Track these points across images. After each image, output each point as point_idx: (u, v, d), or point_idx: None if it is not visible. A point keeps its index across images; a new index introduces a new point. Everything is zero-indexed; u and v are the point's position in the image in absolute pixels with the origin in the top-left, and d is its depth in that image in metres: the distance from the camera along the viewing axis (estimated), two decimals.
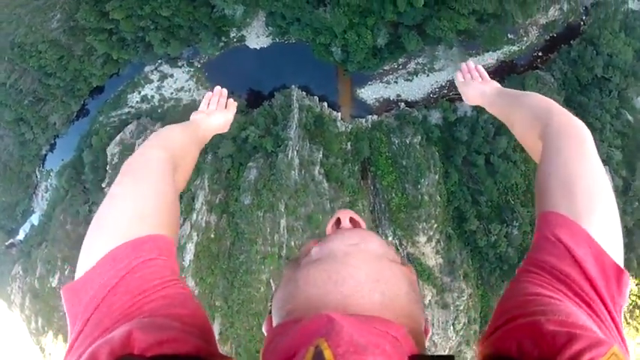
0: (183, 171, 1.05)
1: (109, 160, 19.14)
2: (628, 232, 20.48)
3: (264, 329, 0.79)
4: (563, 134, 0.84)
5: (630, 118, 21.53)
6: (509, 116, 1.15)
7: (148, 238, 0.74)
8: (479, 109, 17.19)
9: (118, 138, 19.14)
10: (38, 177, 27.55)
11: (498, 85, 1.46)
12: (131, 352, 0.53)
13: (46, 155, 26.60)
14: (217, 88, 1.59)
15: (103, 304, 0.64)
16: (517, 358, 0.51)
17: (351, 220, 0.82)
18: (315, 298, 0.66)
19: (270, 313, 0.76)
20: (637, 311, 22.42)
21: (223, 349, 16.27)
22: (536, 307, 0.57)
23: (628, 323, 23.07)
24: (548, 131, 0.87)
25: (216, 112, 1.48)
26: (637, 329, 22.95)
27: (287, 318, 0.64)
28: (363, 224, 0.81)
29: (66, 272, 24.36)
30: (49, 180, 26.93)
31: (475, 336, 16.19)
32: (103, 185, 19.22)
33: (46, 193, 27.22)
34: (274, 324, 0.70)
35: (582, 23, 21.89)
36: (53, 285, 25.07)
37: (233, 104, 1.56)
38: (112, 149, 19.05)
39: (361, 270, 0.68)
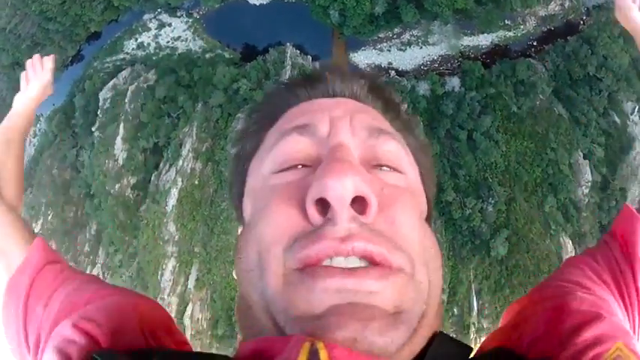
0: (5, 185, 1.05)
1: (100, 104, 20.02)
2: (602, 229, 21.57)
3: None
4: None
5: (617, 120, 22.54)
6: None
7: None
8: (466, 86, 18.20)
9: (111, 83, 20.01)
10: None
11: None
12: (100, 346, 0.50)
13: None
14: (28, 62, 1.49)
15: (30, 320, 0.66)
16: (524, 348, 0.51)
17: (357, 200, 0.44)
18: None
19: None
20: None
21: (198, 295, 17.24)
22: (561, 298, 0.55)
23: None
24: None
25: (30, 83, 1.43)
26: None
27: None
28: (374, 202, 0.44)
29: (49, 217, 25.19)
30: (38, 125, 27.56)
31: (441, 306, 17.22)
32: (93, 129, 20.12)
33: (34, 138, 27.83)
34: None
35: (582, 22, 22.84)
36: (36, 230, 25.97)
37: (47, 60, 1.47)
38: (105, 94, 19.93)
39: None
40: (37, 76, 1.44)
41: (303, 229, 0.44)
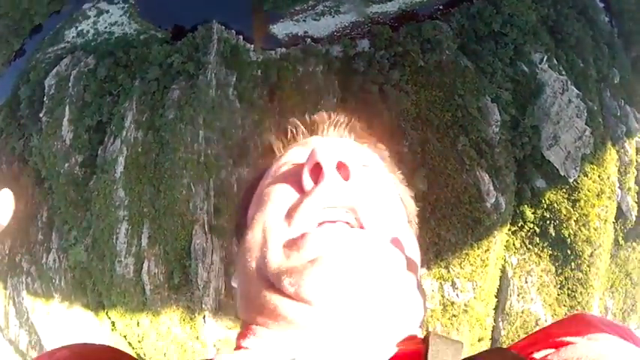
0: None
1: (46, 91, 24.52)
2: (519, 164, 27.19)
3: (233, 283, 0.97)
4: None
5: (526, 69, 28.46)
6: None
7: None
8: (376, 46, 23.61)
9: (54, 71, 24.58)
10: None
11: None
12: None
13: None
14: None
15: None
16: None
17: (339, 166, 0.76)
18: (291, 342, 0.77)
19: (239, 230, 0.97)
20: (536, 238, 29.17)
21: (152, 251, 21.62)
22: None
23: (528, 249, 29.86)
24: None
25: None
26: (539, 256, 29.65)
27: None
28: (354, 167, 0.78)
29: None
30: None
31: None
32: (41, 115, 24.46)
33: None
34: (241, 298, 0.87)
35: None
36: None
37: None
38: (49, 81, 24.47)
39: (347, 323, 0.75)
40: None
41: (299, 199, 0.72)
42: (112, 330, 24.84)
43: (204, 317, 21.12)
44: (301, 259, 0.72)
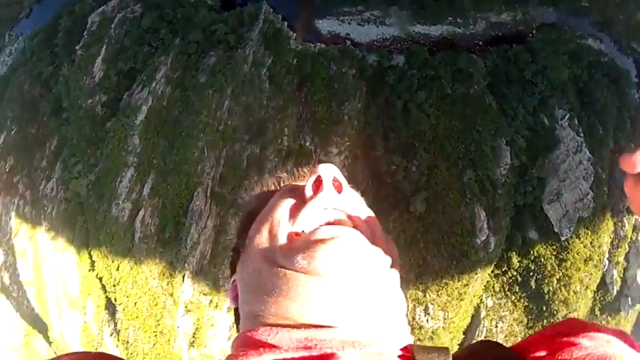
0: None
1: (88, 26, 26.13)
2: (517, 210, 28.65)
3: (230, 295, 1.14)
4: None
5: (546, 122, 30.07)
6: None
7: None
8: (410, 64, 25.17)
9: (100, 9, 26.19)
10: (6, 40, 33.35)
11: None
12: None
13: (21, 19, 32.63)
14: None
15: None
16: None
17: (334, 181, 1.04)
18: (296, 314, 0.93)
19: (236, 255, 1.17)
20: (516, 287, 30.61)
21: (151, 202, 23.00)
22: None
23: (506, 295, 31.25)
24: None
25: None
26: (515, 304, 31.00)
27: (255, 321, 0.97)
28: (345, 184, 1.07)
29: (12, 132, 30.55)
30: (15, 44, 32.87)
31: None
32: (77, 47, 25.95)
33: (8, 57, 33.08)
34: (247, 313, 1.02)
35: (531, 35, 30.44)
36: None
37: None
38: (93, 18, 26.09)
39: (352, 294, 0.94)
40: None
41: (301, 204, 0.98)
42: (90, 270, 26.20)
43: (183, 276, 22.57)
44: (311, 239, 0.94)
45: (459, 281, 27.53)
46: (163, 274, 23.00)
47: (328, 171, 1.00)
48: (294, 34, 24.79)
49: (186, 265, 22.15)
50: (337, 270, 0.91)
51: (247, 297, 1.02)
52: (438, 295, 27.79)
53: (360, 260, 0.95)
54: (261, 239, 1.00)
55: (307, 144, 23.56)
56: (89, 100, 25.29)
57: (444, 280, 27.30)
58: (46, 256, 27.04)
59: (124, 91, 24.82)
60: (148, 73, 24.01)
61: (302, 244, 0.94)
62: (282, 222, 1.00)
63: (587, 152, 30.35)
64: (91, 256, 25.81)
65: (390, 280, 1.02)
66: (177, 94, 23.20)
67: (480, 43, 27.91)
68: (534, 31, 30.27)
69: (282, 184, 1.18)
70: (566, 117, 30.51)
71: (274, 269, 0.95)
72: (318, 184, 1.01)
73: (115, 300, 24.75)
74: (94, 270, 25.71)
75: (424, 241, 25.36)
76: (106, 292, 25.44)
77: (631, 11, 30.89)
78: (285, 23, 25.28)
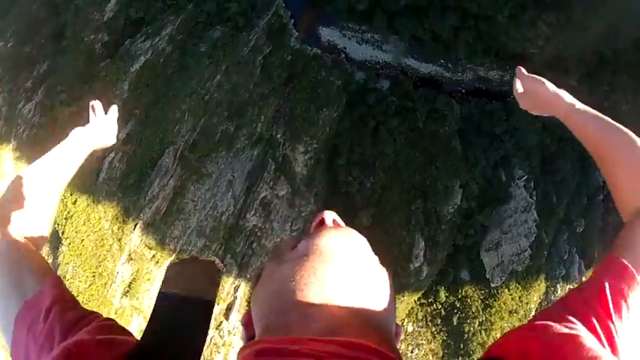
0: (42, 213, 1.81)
1: None
2: (455, 249, 33.10)
3: (241, 323, 1.26)
4: None
5: (504, 177, 34.89)
6: (606, 157, 1.77)
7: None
8: (392, 91, 29.61)
9: None
10: None
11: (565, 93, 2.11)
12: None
13: None
14: (91, 104, 2.30)
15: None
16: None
17: (334, 222, 1.27)
18: (301, 297, 1.06)
19: (250, 307, 1.23)
20: (438, 319, 35.18)
21: (123, 147, 26.47)
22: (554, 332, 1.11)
23: (427, 325, 35.79)
24: None
25: (95, 124, 2.28)
26: (434, 336, 35.44)
27: (272, 323, 1.08)
28: (344, 225, 1.30)
29: (9, 45, 33.34)
30: None
31: None
32: None
33: None
34: (257, 325, 1.14)
35: (512, 98, 35.27)
36: None
37: (112, 111, 2.39)
38: None
39: (347, 270, 1.12)
40: (105, 126, 2.28)
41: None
42: None
43: (135, 225, 26.29)
44: (311, 231, 1.24)
45: None
46: (117, 219, 26.68)
47: (330, 214, 1.29)
48: (297, 33, 29.10)
49: (141, 215, 26.01)
50: (339, 249, 1.14)
51: (261, 309, 1.14)
52: None
53: (361, 245, 1.20)
54: (269, 263, 1.23)
55: (278, 136, 28.36)
56: (92, 36, 28.80)
57: None
58: (7, 175, 29.98)
59: (127, 38, 28.47)
60: (154, 27, 27.88)
61: (304, 239, 1.21)
62: (285, 248, 1.23)
63: (535, 214, 35.69)
64: None
65: (384, 273, 1.23)
66: (176, 55, 27.25)
67: (463, 90, 32.83)
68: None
69: None
70: (524, 178, 35.70)
71: (282, 265, 1.15)
72: (320, 224, 1.27)
73: (63, 234, 27.71)
74: None
75: None
76: (57, 224, 28.41)
77: (616, 101, 36.32)
78: (292, 21, 30.35)
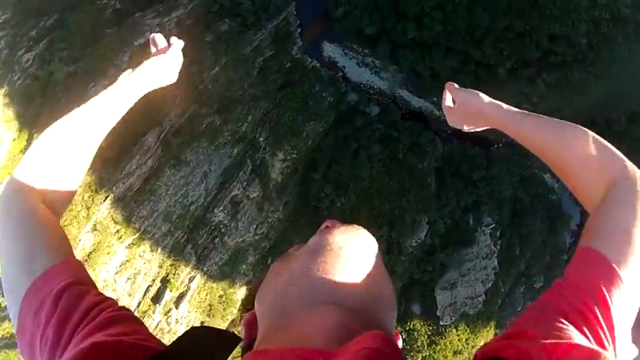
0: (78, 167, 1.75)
1: None
2: (411, 282, 35.13)
3: (243, 322, 1.31)
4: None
5: (471, 221, 36.99)
6: (554, 154, 1.69)
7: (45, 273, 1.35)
8: (380, 118, 31.52)
9: None
10: None
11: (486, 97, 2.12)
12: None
13: None
14: (151, 37, 2.29)
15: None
16: None
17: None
18: (307, 290, 1.14)
19: (253, 306, 1.28)
20: None
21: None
22: (548, 330, 1.15)
23: None
24: (621, 185, 1.45)
25: (149, 63, 2.16)
26: None
27: (279, 320, 1.13)
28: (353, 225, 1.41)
29: None
30: None
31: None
32: None
33: None
34: (264, 325, 1.19)
35: (496, 147, 37.27)
36: None
37: (176, 44, 2.30)
38: None
39: (353, 264, 1.19)
40: (161, 58, 2.19)
41: None
42: (21, 151, 30.27)
43: (106, 197, 27.98)
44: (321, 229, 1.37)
45: None
46: (90, 187, 28.19)
47: (334, 223, 1.39)
48: (301, 43, 31.15)
49: (113, 188, 27.63)
50: (349, 245, 1.22)
51: (268, 307, 1.20)
52: None
53: (371, 243, 1.28)
54: (276, 264, 1.31)
55: (261, 139, 30.72)
56: (105, 0, 30.12)
57: None
58: None
59: (138, 10, 29.93)
60: (166, 6, 29.98)
61: (313, 237, 1.31)
62: (293, 251, 1.34)
63: (496, 263, 38.06)
64: (29, 139, 30.14)
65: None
66: (180, 35, 28.09)
67: (448, 131, 35.03)
68: (501, 145, 37.36)
69: None
70: (491, 226, 37.93)
71: (290, 262, 1.25)
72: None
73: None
74: (23, 153, 30.09)
75: None
76: None
77: None
78: (299, 30, 32.84)
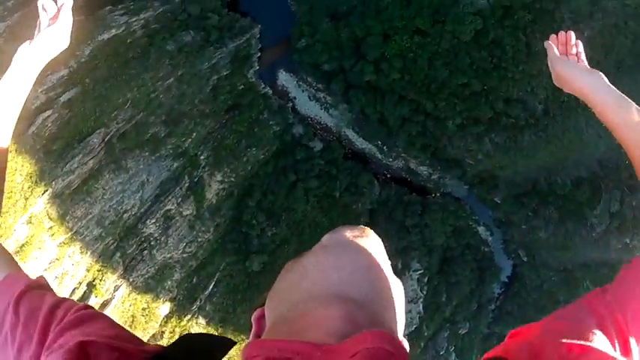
0: None
1: None
2: None
3: (253, 318, 1.64)
4: None
5: (399, 265, 46.69)
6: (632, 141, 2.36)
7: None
8: (322, 154, 40.99)
9: None
10: None
11: (602, 75, 2.76)
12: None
13: None
14: (40, 3, 2.51)
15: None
16: None
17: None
18: (319, 282, 1.48)
19: (263, 305, 1.63)
20: None
21: (63, 111, 35.35)
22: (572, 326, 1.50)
23: None
24: None
25: (44, 35, 2.60)
26: None
27: (288, 313, 1.51)
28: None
29: None
30: None
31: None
32: None
33: None
34: (272, 318, 1.56)
35: (433, 196, 46.94)
36: None
37: (65, 9, 2.66)
38: None
39: (361, 261, 1.53)
40: (51, 30, 2.56)
41: None
42: None
43: (45, 191, 32.35)
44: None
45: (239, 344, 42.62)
46: (30, 177, 32.42)
47: (345, 226, 1.76)
48: (257, 67, 39.29)
49: (53, 183, 32.36)
50: (358, 242, 1.60)
51: (280, 300, 1.66)
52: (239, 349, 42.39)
53: (378, 244, 1.67)
54: (288, 263, 1.71)
55: (202, 157, 37.32)
56: None
57: (245, 340, 41.95)
58: None
59: (109, 4, 36.67)
60: (137, 6, 36.19)
61: (325, 236, 1.62)
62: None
63: (421, 307, 45.75)
64: None
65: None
66: (143, 43, 35.56)
67: (388, 175, 43.86)
68: (438, 194, 46.36)
69: None
70: (419, 272, 46.58)
71: (302, 258, 1.65)
72: None
73: None
74: None
75: (242, 296, 40.02)
76: None
77: (535, 226, 46.07)
78: (259, 54, 39.77)
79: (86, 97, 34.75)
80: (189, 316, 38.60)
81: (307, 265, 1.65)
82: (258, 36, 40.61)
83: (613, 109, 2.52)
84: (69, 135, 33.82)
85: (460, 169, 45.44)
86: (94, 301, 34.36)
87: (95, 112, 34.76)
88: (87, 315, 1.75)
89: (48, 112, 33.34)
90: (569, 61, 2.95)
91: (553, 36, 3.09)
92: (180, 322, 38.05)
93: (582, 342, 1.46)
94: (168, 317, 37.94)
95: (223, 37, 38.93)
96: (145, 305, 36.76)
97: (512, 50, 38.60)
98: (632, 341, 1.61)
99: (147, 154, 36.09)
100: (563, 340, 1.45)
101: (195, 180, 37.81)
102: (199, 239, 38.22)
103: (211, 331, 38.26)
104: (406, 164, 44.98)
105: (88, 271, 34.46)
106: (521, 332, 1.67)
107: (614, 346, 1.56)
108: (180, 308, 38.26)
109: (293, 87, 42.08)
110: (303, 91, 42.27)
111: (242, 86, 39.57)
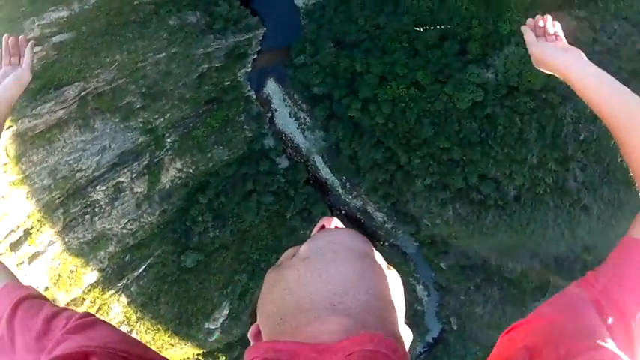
0: None
1: None
2: None
3: (250, 335, 1.89)
4: None
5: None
6: (619, 124, 2.60)
7: None
8: (286, 172, 50.53)
9: None
10: None
11: (579, 52, 3.12)
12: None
13: None
14: (4, 38, 2.92)
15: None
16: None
17: (335, 227, 1.92)
18: (305, 298, 1.59)
19: (255, 318, 1.87)
20: None
21: (50, 51, 43.52)
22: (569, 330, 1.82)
23: None
24: None
25: (5, 79, 3.13)
26: None
27: (281, 329, 1.66)
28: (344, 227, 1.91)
29: None
30: None
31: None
32: None
33: None
34: (265, 333, 1.77)
35: (382, 243, 55.84)
36: None
37: (28, 49, 3.19)
38: None
39: (349, 267, 1.68)
40: (12, 74, 3.35)
41: None
42: None
43: (8, 127, 37.60)
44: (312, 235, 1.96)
45: (169, 337, 46.98)
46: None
47: (331, 221, 2.00)
48: (250, 69, 45.16)
49: (19, 121, 38.10)
50: (341, 248, 1.81)
51: (268, 318, 1.84)
52: (152, 338, 46.40)
53: (364, 244, 1.89)
54: (271, 273, 1.91)
55: (168, 140, 42.96)
56: None
57: (160, 330, 46.78)
58: None
59: None
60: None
61: (304, 244, 1.83)
62: (287, 258, 1.95)
63: None
64: None
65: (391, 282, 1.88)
66: (148, 10, 41.04)
67: (343, 211, 49.53)
68: (387, 243, 52.26)
69: None
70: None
71: (284, 271, 1.83)
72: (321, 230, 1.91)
73: None
74: None
75: (168, 286, 44.93)
76: None
77: (474, 300, 53.11)
78: (255, 56, 45.94)
79: (77, 46, 40.52)
80: (112, 291, 43.71)
81: (290, 280, 1.84)
82: (261, 38, 47.02)
83: (592, 84, 2.95)
84: (48, 79, 39.56)
85: (415, 226, 51.62)
86: (26, 250, 39.18)
87: (80, 64, 40.40)
88: (89, 322, 2.15)
89: (38, 48, 38.53)
90: (545, 42, 3.47)
91: (530, 19, 3.63)
92: (102, 295, 43.26)
93: (583, 341, 1.77)
94: (92, 286, 43.00)
95: (227, 29, 45.29)
96: (74, 268, 42.02)
97: (504, 131, 43.98)
98: (633, 324, 1.96)
99: (117, 120, 42.01)
100: (564, 341, 1.76)
101: (156, 161, 43.85)
102: (142, 220, 44.02)
103: (129, 312, 44.05)
104: (364, 206, 51.48)
105: (28, 217, 39.67)
106: (521, 325, 2.05)
107: (615, 336, 1.87)
108: (107, 281, 43.32)
109: (277, 99, 48.81)
110: (286, 105, 49.05)
111: (228, 82, 45.86)
